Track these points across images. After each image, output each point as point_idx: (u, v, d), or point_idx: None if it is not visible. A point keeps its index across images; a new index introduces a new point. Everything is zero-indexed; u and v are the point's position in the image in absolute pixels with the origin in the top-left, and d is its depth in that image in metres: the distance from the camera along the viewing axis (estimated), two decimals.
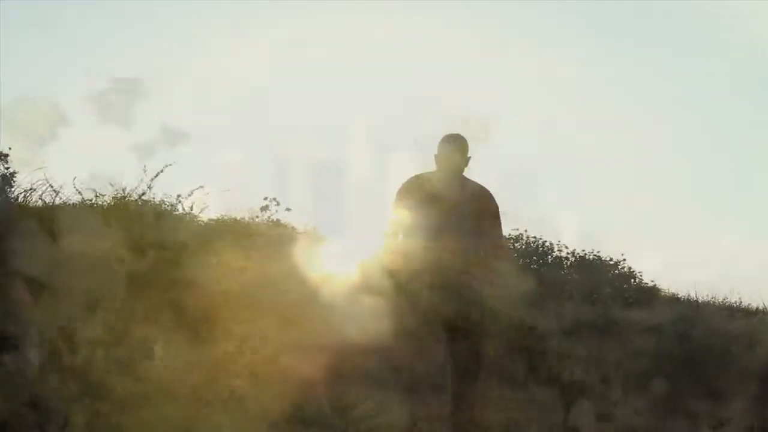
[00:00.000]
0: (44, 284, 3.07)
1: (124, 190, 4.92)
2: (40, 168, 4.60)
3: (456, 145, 3.56)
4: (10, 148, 7.06)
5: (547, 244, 10.60)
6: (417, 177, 3.58)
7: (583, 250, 10.59)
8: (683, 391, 4.66)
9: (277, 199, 6.17)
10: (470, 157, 3.55)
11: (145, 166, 5.10)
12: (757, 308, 8.34)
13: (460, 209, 3.41)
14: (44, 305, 3.03)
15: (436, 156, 3.57)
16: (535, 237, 10.56)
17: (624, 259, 10.41)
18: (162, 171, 4.70)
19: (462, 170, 3.55)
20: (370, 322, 4.01)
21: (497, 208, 3.50)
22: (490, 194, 3.52)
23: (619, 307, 7.17)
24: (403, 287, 3.38)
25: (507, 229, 10.53)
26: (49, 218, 3.29)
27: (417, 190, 3.52)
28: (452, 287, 3.33)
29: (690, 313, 6.16)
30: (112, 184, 5.55)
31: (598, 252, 10.46)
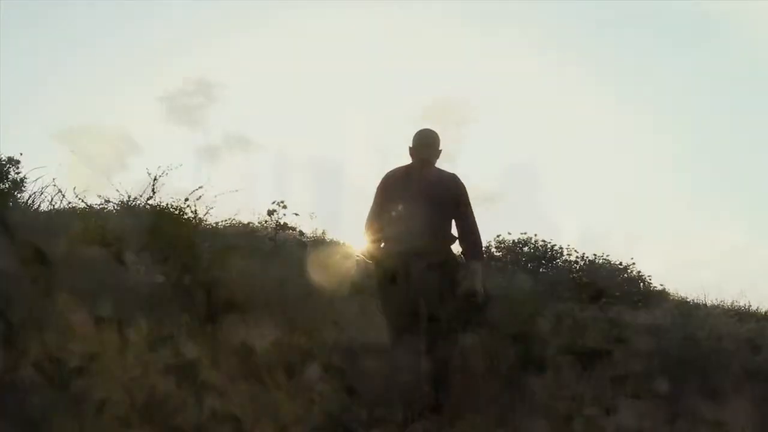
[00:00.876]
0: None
1: (129, 195, 5.00)
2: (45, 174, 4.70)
3: (427, 139, 3.74)
4: (21, 154, 7.16)
5: (556, 248, 10.60)
6: (393, 171, 3.72)
7: (594, 254, 10.58)
8: (685, 392, 4.67)
9: (284, 202, 6.24)
10: (441, 149, 3.74)
11: (147, 169, 5.18)
12: (766, 312, 8.32)
13: (434, 197, 3.53)
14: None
15: (410, 149, 3.76)
16: (544, 241, 10.56)
17: (633, 263, 10.40)
18: (165, 174, 4.77)
19: (433, 161, 3.72)
20: (371, 319, 4.08)
21: (467, 193, 3.62)
22: (460, 181, 3.64)
23: (627, 310, 7.18)
24: (389, 276, 3.46)
25: (516, 234, 10.64)
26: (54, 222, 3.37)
27: (393, 182, 3.67)
28: (433, 277, 3.41)
29: (693, 316, 6.16)
30: (117, 190, 5.62)
31: (607, 256, 10.45)
